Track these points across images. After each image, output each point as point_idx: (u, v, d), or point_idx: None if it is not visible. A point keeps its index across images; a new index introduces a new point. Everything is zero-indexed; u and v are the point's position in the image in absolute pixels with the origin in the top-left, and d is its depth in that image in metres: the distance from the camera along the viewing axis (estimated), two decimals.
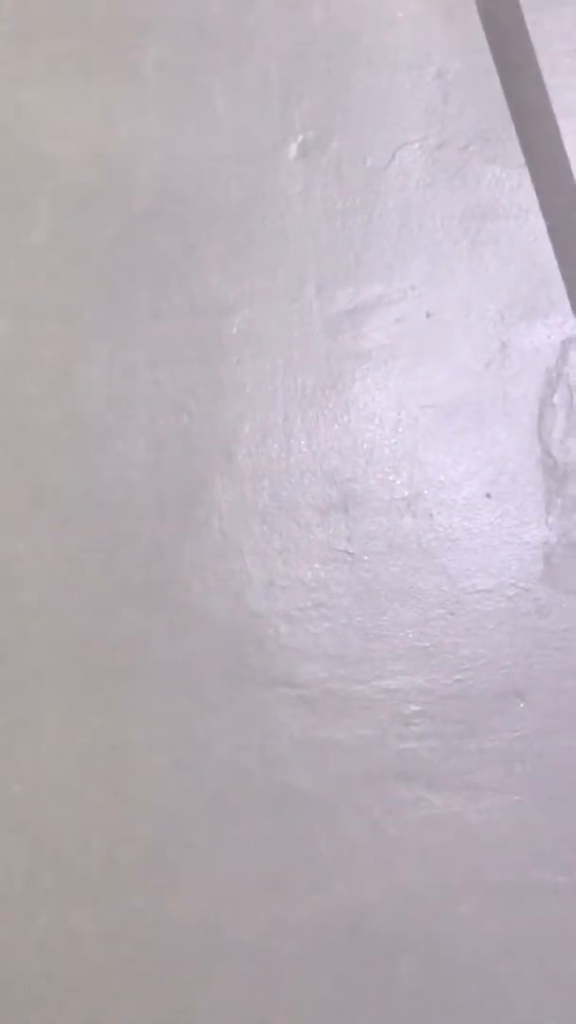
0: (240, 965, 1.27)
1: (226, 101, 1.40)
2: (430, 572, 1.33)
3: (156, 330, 1.36)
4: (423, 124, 1.40)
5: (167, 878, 1.28)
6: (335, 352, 1.37)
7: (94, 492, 1.34)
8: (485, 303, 1.38)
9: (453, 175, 1.40)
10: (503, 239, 1.39)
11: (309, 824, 1.29)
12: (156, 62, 1.41)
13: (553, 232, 1.39)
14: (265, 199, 1.38)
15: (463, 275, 1.39)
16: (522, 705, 1.31)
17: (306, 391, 1.36)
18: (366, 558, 1.33)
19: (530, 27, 1.39)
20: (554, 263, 1.39)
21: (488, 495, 1.35)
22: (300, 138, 1.40)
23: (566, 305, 1.38)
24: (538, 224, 1.40)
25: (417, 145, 1.40)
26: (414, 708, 1.31)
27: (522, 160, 1.40)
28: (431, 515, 1.35)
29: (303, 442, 1.35)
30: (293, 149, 1.39)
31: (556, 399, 1.36)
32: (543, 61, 1.39)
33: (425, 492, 1.35)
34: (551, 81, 1.39)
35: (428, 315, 1.38)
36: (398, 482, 1.35)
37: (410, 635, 1.32)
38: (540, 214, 1.40)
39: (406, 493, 1.35)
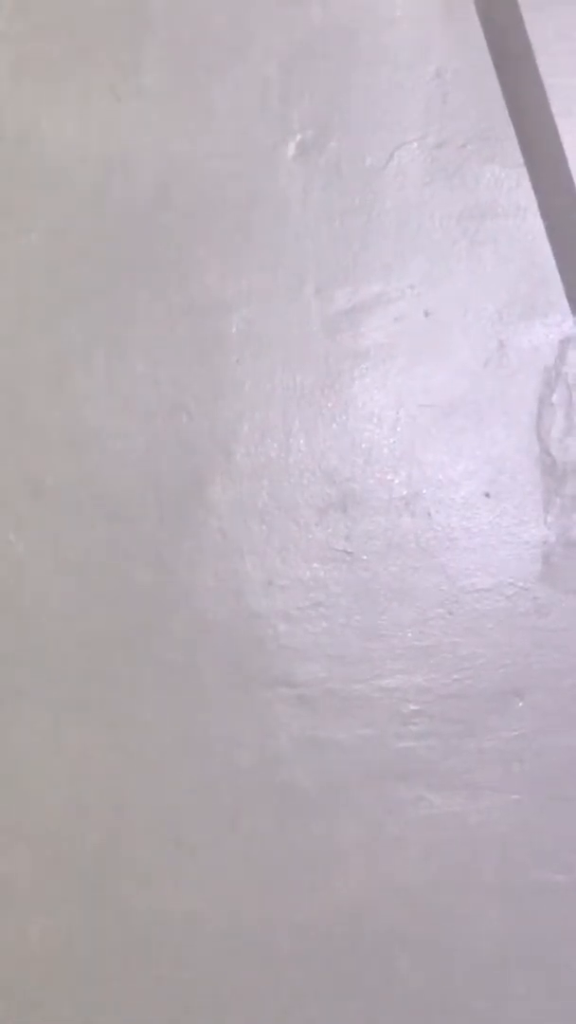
0: (239, 965, 1.27)
1: (224, 100, 1.40)
2: (429, 571, 1.33)
3: (155, 330, 1.36)
4: (422, 123, 1.40)
5: (166, 878, 1.28)
6: (334, 351, 1.37)
7: (92, 492, 1.33)
8: (483, 302, 1.38)
9: (452, 174, 1.40)
10: (501, 238, 1.39)
11: (308, 823, 1.29)
12: (154, 61, 1.40)
13: (551, 231, 1.39)
14: (264, 198, 1.38)
15: (462, 274, 1.39)
16: (521, 704, 1.31)
17: (305, 390, 1.36)
18: (365, 557, 1.33)
19: (528, 26, 1.39)
20: (552, 262, 1.39)
21: (487, 494, 1.35)
22: (299, 137, 1.39)
23: (564, 304, 1.38)
24: (536, 223, 1.40)
25: (416, 144, 1.40)
26: (413, 707, 1.31)
27: (521, 159, 1.40)
28: (430, 514, 1.35)
29: (302, 441, 1.35)
30: (292, 148, 1.39)
31: (555, 398, 1.37)
32: (542, 60, 1.39)
33: (424, 491, 1.35)
34: (550, 80, 1.39)
35: (426, 314, 1.38)
36: (397, 481, 1.35)
37: (409, 634, 1.32)
38: (538, 213, 1.40)
39: (405, 492, 1.35)
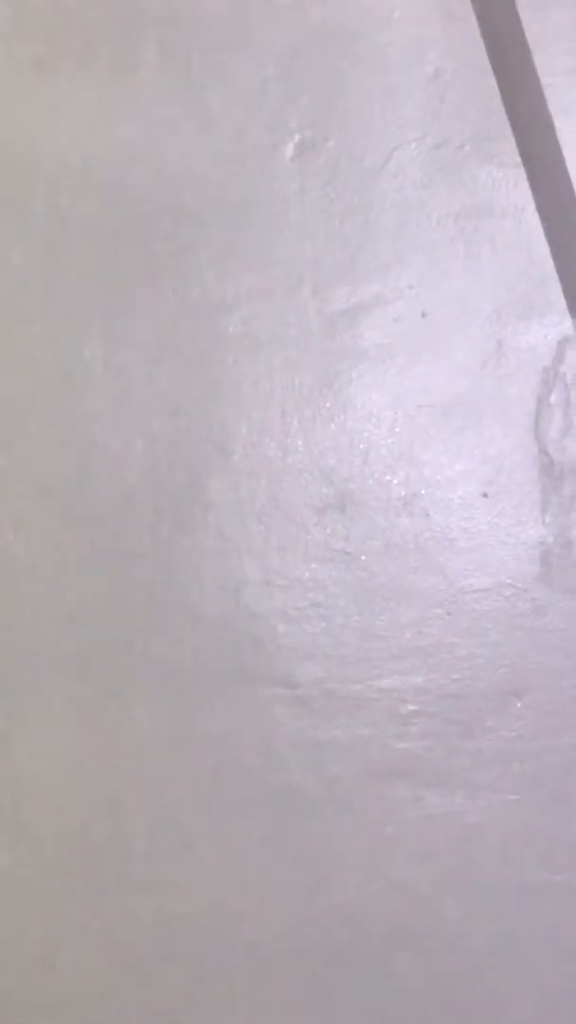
0: (239, 965, 1.27)
1: (222, 101, 1.40)
2: (427, 572, 1.33)
3: (152, 330, 1.36)
4: (420, 124, 1.40)
5: (165, 879, 1.28)
6: (332, 352, 1.37)
7: (90, 492, 1.34)
8: (481, 302, 1.38)
9: (450, 174, 1.40)
10: (499, 238, 1.39)
11: (307, 823, 1.29)
12: (152, 62, 1.40)
13: (549, 231, 1.39)
14: (262, 199, 1.38)
15: (459, 274, 1.39)
16: (519, 704, 1.31)
17: (303, 391, 1.36)
18: (363, 558, 1.33)
19: (526, 26, 1.39)
20: (550, 262, 1.39)
21: (485, 495, 1.35)
22: (297, 138, 1.39)
23: (562, 304, 1.38)
24: (534, 223, 1.39)
25: (414, 145, 1.40)
26: (412, 708, 1.31)
27: (518, 159, 1.40)
28: (428, 515, 1.35)
29: (300, 441, 1.35)
30: (290, 149, 1.39)
31: (553, 398, 1.36)
32: (539, 60, 1.39)
33: (422, 492, 1.35)
34: (547, 80, 1.39)
35: (424, 314, 1.38)
36: (395, 482, 1.35)
37: (407, 635, 1.32)
38: (536, 213, 1.40)
39: (403, 493, 1.35)
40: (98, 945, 1.27)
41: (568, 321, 1.37)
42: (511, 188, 1.40)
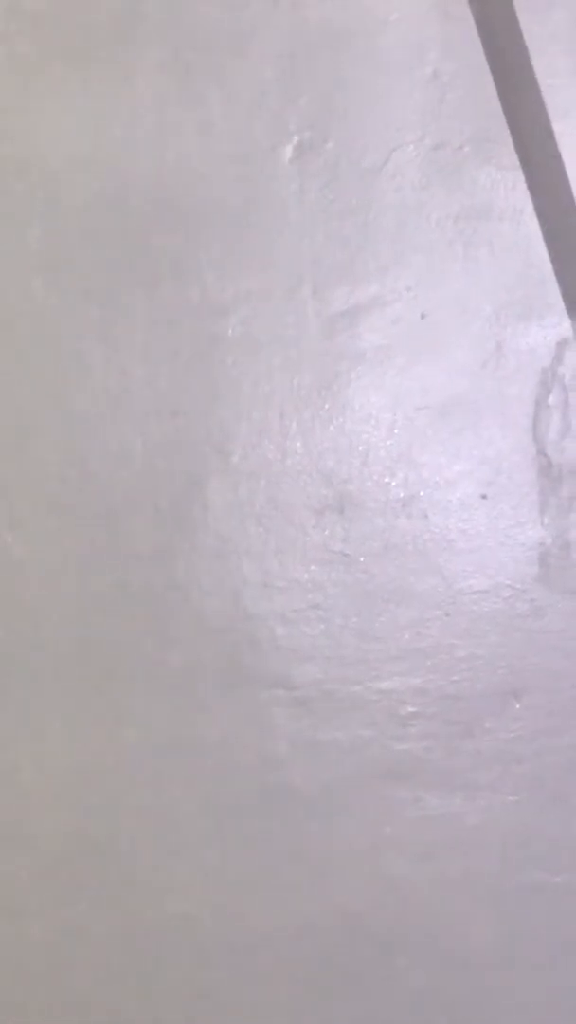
0: (238, 966, 1.27)
1: (221, 102, 1.40)
2: (426, 573, 1.33)
3: (151, 331, 1.36)
4: (419, 125, 1.40)
5: (164, 879, 1.28)
6: (331, 353, 1.37)
7: (89, 493, 1.34)
8: (480, 304, 1.38)
9: (448, 176, 1.40)
10: (498, 240, 1.39)
11: (306, 825, 1.29)
12: (151, 63, 1.40)
13: (548, 233, 1.39)
14: (261, 200, 1.38)
15: (458, 276, 1.39)
16: (518, 706, 1.31)
17: (302, 392, 1.36)
18: (362, 559, 1.34)
19: (525, 28, 1.39)
20: (549, 264, 1.39)
21: (484, 496, 1.35)
22: (295, 139, 1.39)
23: (561, 306, 1.38)
24: (533, 225, 1.40)
25: (412, 146, 1.40)
26: (410, 709, 1.31)
27: (517, 161, 1.40)
28: (427, 516, 1.35)
29: (299, 443, 1.35)
30: (289, 150, 1.39)
31: (551, 400, 1.37)
32: (538, 62, 1.39)
33: (421, 493, 1.35)
34: (546, 82, 1.39)
35: (423, 316, 1.38)
36: (394, 483, 1.35)
37: (406, 636, 1.32)
38: (535, 215, 1.40)
39: (402, 494, 1.35)
40: (98, 947, 1.27)
41: (567, 323, 1.38)
42: (510, 190, 1.40)
